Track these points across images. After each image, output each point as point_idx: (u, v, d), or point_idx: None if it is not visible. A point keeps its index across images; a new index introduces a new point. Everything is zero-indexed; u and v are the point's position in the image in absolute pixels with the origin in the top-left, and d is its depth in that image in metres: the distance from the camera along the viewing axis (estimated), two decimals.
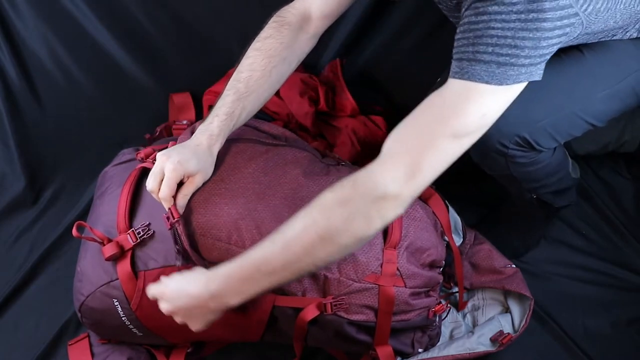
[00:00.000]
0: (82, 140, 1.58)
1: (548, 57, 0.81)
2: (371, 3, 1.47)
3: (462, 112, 0.80)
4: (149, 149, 1.13)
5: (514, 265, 1.23)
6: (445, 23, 1.48)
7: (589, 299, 1.29)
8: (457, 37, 0.83)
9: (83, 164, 1.56)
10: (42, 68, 1.52)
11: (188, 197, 0.98)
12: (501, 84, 0.79)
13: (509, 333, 1.17)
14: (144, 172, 1.06)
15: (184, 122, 1.52)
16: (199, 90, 1.55)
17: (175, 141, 1.25)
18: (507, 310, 1.22)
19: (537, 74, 0.81)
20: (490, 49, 0.78)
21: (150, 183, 0.97)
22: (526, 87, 0.87)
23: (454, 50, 0.83)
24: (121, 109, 1.58)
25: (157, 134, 1.48)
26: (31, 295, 1.35)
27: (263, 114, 1.47)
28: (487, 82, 0.79)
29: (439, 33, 1.48)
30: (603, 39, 1.02)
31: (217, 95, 1.48)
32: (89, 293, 1.00)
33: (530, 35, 0.77)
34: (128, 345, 1.14)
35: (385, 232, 1.03)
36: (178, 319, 0.94)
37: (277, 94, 1.49)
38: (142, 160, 1.09)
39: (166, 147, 1.19)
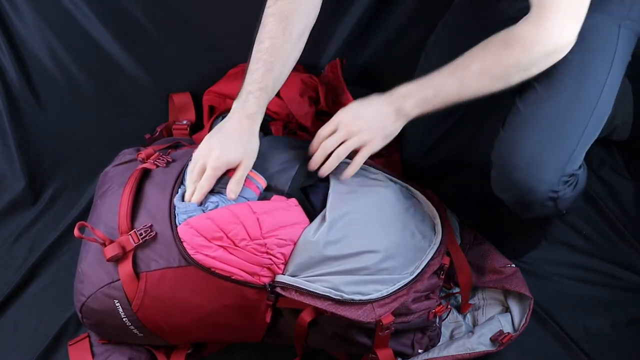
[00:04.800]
0: (82, 140, 1.58)
1: None
2: (371, 3, 1.47)
3: None
4: (149, 150, 1.13)
5: (513, 265, 1.23)
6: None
7: (589, 299, 1.29)
8: None
9: (83, 164, 1.55)
10: (42, 68, 1.51)
11: (242, 182, 0.98)
12: None
13: (509, 332, 1.17)
14: (145, 173, 1.05)
15: (184, 122, 1.52)
16: (199, 90, 1.54)
17: (175, 141, 1.26)
18: (507, 309, 1.22)
19: None
20: None
21: (193, 176, 0.98)
22: (544, 124, 0.99)
23: None
24: (121, 109, 1.58)
25: (157, 134, 1.48)
26: (31, 296, 1.35)
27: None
28: None
29: None
30: None
31: (217, 95, 1.50)
32: (90, 294, 0.99)
33: None
34: (128, 345, 1.14)
35: None
36: (355, 139, 1.00)
37: (278, 94, 1.48)
38: (143, 161, 1.09)
39: (167, 147, 1.19)
